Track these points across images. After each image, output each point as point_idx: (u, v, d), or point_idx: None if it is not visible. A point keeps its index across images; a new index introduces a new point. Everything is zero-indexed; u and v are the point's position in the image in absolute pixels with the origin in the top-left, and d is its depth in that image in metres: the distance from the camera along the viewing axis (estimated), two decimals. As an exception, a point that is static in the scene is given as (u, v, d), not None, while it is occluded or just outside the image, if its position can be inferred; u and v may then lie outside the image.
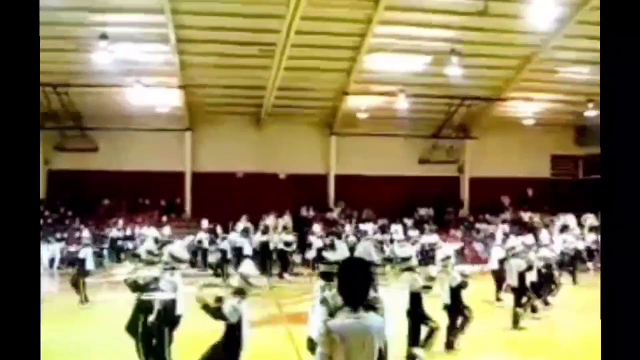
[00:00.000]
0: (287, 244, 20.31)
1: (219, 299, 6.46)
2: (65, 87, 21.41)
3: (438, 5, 18.04)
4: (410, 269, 8.74)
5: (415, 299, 8.42)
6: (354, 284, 3.80)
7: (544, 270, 12.86)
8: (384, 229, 23.26)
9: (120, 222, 22.63)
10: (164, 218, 24.00)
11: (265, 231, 20.44)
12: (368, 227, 23.12)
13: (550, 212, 25.85)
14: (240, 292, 6.55)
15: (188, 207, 25.41)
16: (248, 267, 6.95)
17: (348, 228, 22.87)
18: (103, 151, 24.39)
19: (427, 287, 8.50)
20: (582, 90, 22.12)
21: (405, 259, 8.89)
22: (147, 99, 22.35)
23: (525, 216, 25.82)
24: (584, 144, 26.58)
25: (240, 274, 6.75)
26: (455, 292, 9.43)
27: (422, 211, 26.20)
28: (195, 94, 23.21)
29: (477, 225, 25.31)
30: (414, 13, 18.42)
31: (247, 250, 19.17)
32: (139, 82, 21.00)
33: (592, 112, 22.97)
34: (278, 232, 21.07)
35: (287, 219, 23.26)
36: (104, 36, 18.04)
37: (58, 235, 21.38)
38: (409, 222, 24.45)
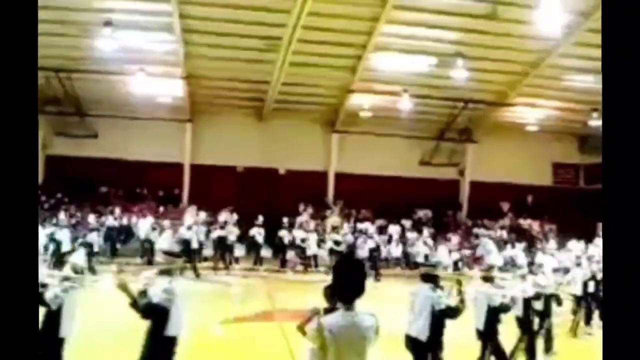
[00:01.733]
0: (337, 243, 20.86)
1: (43, 285, 6.46)
2: (67, 73, 21.27)
3: (446, 7, 17.89)
4: (522, 276, 9.07)
5: (527, 306, 8.73)
6: (349, 282, 3.85)
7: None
8: (382, 230, 23.17)
9: (117, 210, 22.49)
10: (161, 208, 23.88)
11: (223, 226, 20.46)
12: (365, 226, 23.04)
13: (550, 220, 25.75)
14: (67, 280, 6.58)
15: (185, 199, 25.26)
16: (78, 257, 7.05)
17: (346, 227, 22.77)
18: (102, 138, 24.23)
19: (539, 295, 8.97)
20: (587, 99, 21.97)
21: (519, 267, 9.22)
22: (149, 88, 22.16)
23: (525, 223, 25.71)
24: (587, 152, 26.45)
25: (70, 263, 6.79)
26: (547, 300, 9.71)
27: (421, 213, 26.09)
28: (198, 85, 23.06)
29: (475, 230, 25.19)
30: (422, 13, 18.29)
31: (195, 243, 19.07)
32: (141, 71, 20.85)
33: (596, 122, 22.78)
34: (328, 231, 21.87)
35: (335, 218, 23.50)
36: (108, 23, 17.93)
37: (54, 221, 21.21)
38: (407, 223, 24.35)
